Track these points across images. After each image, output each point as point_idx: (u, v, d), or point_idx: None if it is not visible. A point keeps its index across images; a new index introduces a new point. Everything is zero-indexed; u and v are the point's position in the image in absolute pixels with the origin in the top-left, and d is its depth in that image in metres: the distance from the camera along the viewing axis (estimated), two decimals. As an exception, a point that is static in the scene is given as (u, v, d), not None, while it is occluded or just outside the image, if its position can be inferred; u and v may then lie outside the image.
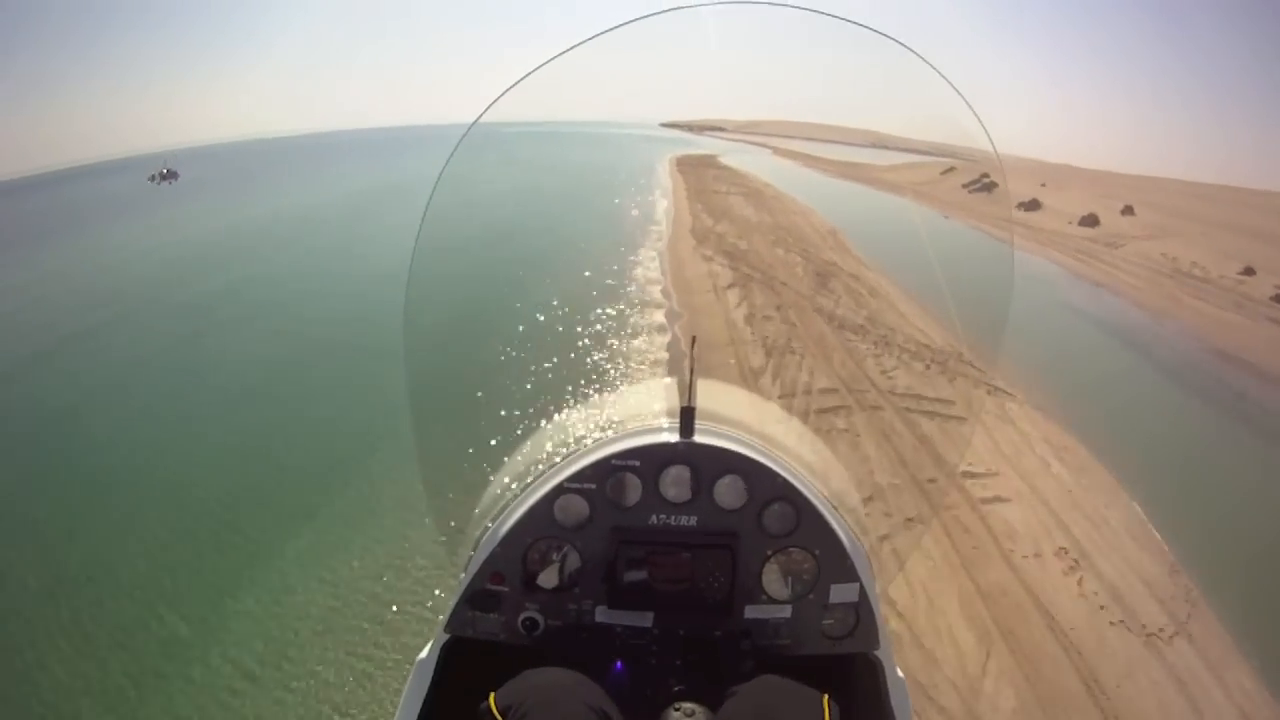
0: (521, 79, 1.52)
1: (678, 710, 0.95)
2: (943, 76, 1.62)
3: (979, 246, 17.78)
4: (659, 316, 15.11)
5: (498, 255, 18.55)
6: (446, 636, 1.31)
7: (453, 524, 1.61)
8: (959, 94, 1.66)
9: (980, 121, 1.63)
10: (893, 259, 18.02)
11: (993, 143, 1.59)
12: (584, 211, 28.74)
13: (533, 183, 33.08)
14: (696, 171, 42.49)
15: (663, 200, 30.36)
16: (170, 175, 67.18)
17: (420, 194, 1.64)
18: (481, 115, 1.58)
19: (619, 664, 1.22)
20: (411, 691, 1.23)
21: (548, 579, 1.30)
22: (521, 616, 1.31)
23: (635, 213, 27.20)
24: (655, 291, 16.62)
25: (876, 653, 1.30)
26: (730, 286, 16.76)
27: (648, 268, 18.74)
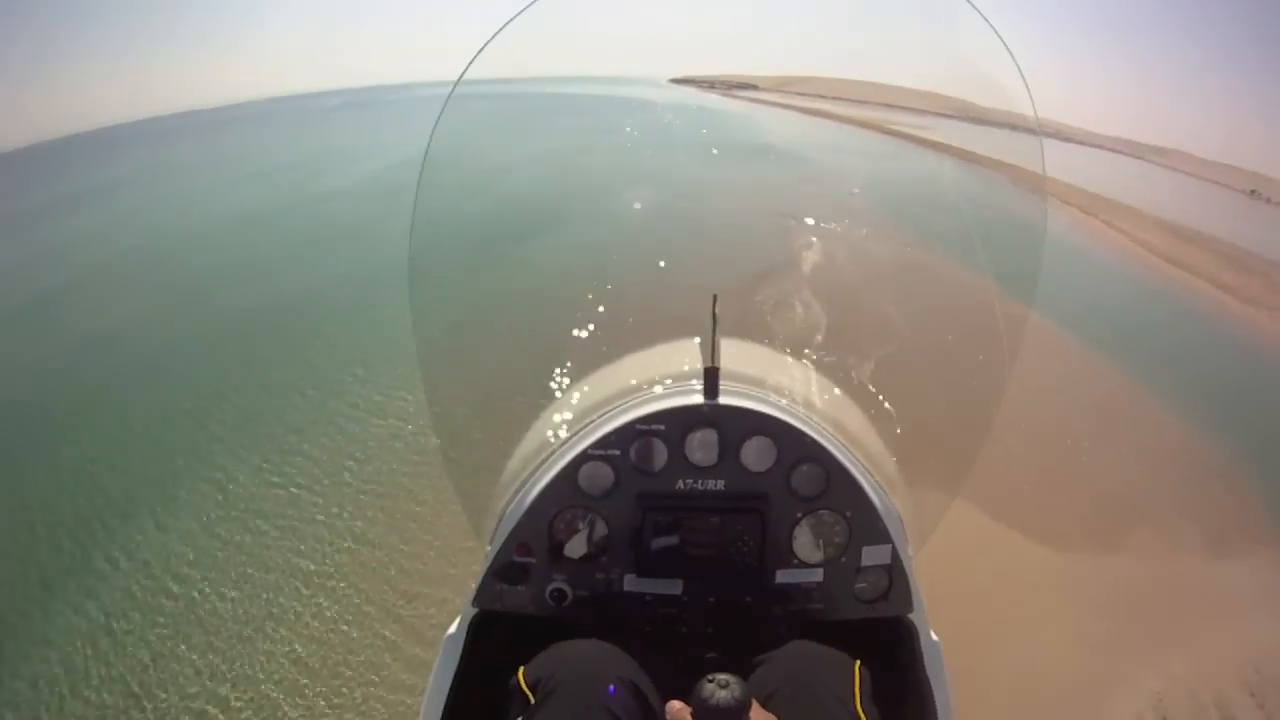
0: (504, 26, 1.41)
1: (712, 681, 0.89)
2: (986, 20, 1.45)
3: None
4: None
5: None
6: (475, 610, 1.30)
7: (477, 496, 1.56)
8: (1003, 43, 1.47)
9: (1023, 77, 1.45)
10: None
11: (1034, 104, 1.42)
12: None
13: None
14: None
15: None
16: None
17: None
18: (464, 72, 1.47)
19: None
20: (441, 667, 1.22)
21: (574, 549, 1.27)
22: (549, 588, 1.28)
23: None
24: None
25: (910, 616, 1.27)
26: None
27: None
